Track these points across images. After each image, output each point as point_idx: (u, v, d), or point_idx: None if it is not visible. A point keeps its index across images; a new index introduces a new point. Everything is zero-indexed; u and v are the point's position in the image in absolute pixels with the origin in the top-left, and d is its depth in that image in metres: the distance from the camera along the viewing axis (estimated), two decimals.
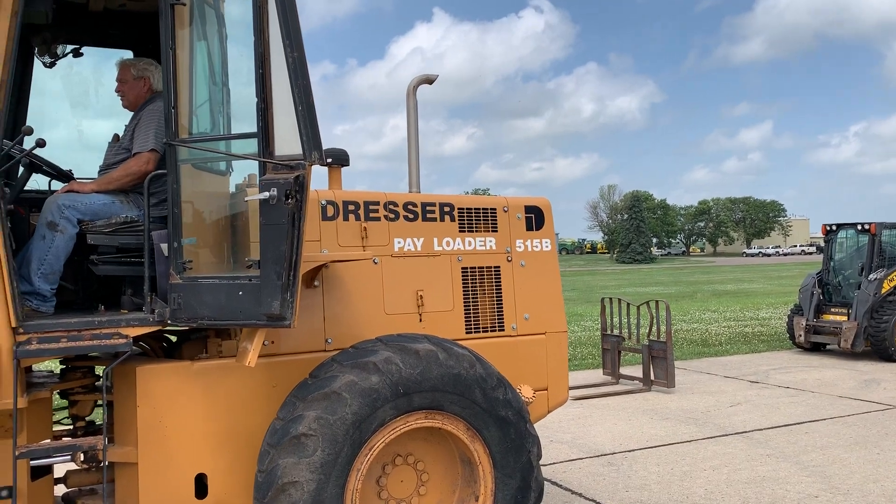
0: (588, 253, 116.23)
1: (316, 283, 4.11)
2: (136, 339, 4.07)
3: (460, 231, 4.56)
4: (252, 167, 3.66)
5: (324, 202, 4.17)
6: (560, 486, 6.10)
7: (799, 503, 5.60)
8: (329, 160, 4.53)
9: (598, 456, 6.96)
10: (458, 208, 4.57)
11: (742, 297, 27.91)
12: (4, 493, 3.43)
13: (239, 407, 3.81)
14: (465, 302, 4.53)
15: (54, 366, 4.26)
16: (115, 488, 3.75)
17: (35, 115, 4.53)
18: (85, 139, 4.70)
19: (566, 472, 6.49)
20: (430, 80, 4.92)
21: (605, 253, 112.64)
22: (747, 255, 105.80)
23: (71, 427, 4.02)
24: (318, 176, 4.63)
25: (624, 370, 10.85)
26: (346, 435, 3.47)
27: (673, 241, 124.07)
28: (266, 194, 3.27)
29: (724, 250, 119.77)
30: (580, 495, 5.87)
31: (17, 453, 3.20)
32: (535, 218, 4.85)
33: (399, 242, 4.37)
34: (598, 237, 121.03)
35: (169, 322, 3.56)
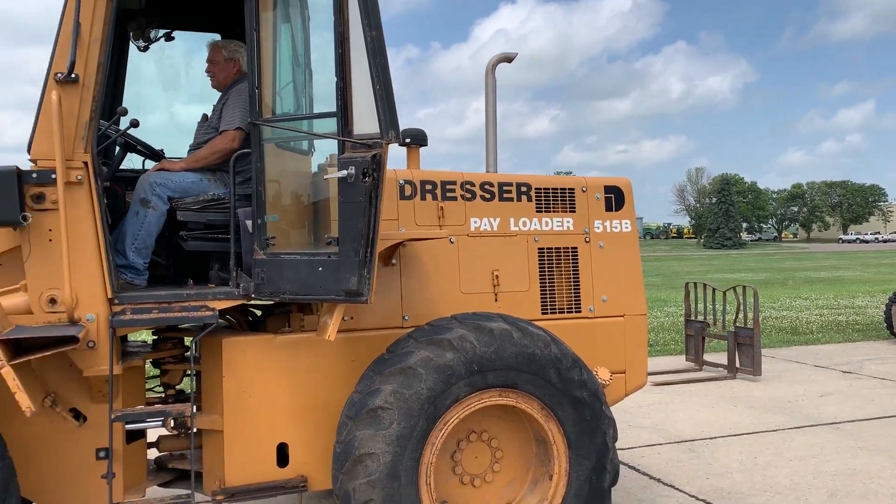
0: (674, 238, 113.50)
1: (393, 261, 4.17)
2: (223, 313, 4.25)
3: (537, 211, 4.54)
4: (334, 147, 3.74)
5: (402, 181, 4.22)
6: (638, 470, 6.03)
7: (893, 498, 5.36)
8: (407, 140, 4.58)
9: (678, 442, 6.83)
10: (536, 188, 4.54)
11: (836, 285, 26.69)
12: (102, 454, 3.65)
13: (319, 380, 3.92)
14: (541, 282, 4.51)
15: (147, 336, 4.47)
16: (203, 454, 3.93)
17: (130, 97, 4.75)
18: (176, 121, 4.89)
19: (645, 457, 6.40)
20: (508, 59, 4.89)
21: (691, 238, 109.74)
22: (843, 241, 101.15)
23: (162, 395, 4.22)
24: (397, 156, 4.72)
25: (708, 357, 10.56)
26: (421, 409, 3.52)
27: (764, 226, 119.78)
28: (344, 172, 3.34)
29: (818, 236, 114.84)
30: (658, 480, 5.78)
31: (112, 416, 3.40)
32: (615, 198, 4.78)
33: (475, 222, 4.39)
34: (684, 221, 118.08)
35: (253, 296, 3.69)
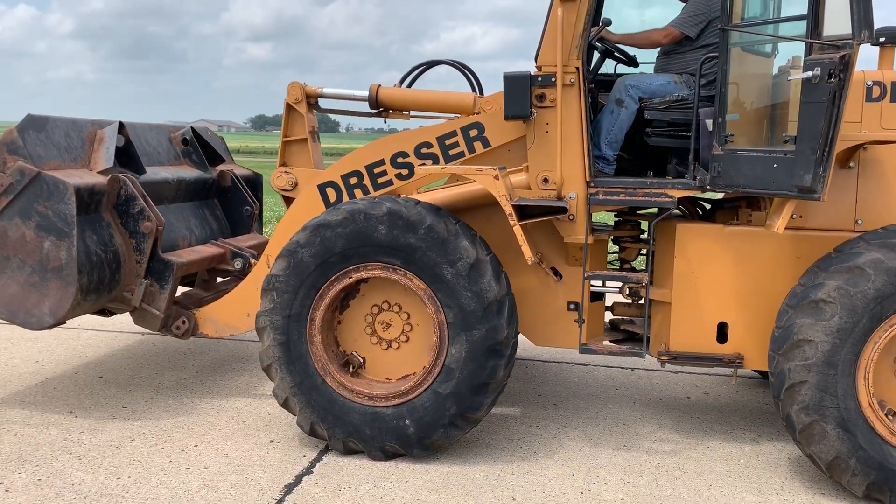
0: None
1: (851, 164, 4.18)
2: (678, 202, 4.79)
3: None
4: (797, 49, 3.89)
5: (870, 83, 4.15)
6: None
7: None
8: (881, 39, 4.41)
9: None
10: None
11: None
12: (572, 306, 4.53)
13: (762, 270, 4.21)
14: None
15: (608, 218, 5.22)
16: (651, 321, 4.58)
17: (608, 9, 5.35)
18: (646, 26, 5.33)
19: None
20: None
21: None
22: None
23: (619, 268, 4.96)
24: (869, 57, 4.58)
25: None
26: (866, 308, 3.64)
27: None
28: (809, 73, 3.51)
29: None
30: None
31: (585, 275, 4.23)
32: None
33: None
34: None
35: (708, 187, 4.13)
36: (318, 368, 4.19)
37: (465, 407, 4.06)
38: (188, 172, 5.69)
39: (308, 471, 4.05)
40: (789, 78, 3.72)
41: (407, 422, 4.09)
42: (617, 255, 4.92)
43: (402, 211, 4.01)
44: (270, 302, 4.19)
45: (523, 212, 4.19)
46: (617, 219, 4.93)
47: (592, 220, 4.86)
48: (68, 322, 4.86)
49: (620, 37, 4.81)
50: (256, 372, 5.61)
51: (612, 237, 4.85)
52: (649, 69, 4.96)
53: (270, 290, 4.19)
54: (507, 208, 3.98)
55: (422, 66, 5.18)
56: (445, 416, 4.06)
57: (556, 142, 4.20)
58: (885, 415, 3.74)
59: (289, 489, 3.84)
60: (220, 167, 6.11)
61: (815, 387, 3.72)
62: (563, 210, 4.07)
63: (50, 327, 4.46)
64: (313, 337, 4.17)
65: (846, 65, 3.46)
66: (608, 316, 4.97)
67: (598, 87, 4.97)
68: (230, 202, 6.06)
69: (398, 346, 4.31)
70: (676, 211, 4.83)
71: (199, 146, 5.96)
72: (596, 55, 4.95)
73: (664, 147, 4.64)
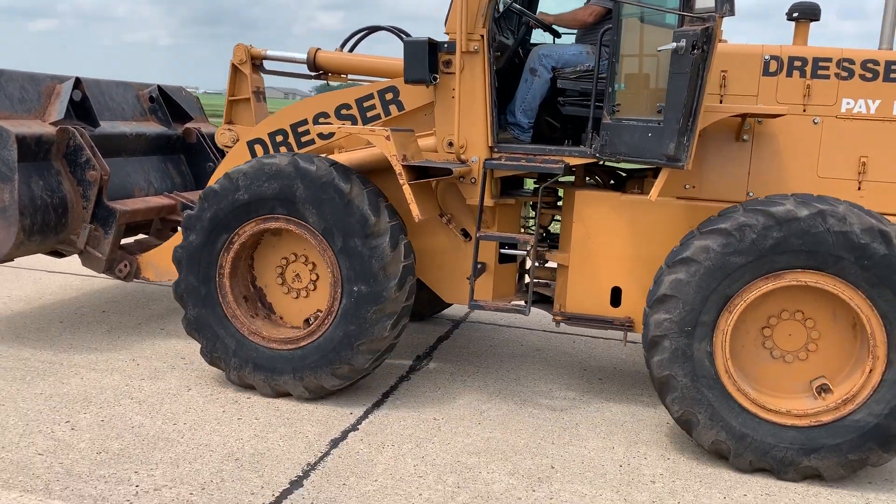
0: None
1: (745, 137, 4.27)
2: (589, 173, 4.92)
3: None
4: None
5: (767, 57, 4.21)
6: None
7: None
8: (795, 14, 4.44)
9: None
10: None
11: None
12: (479, 266, 4.73)
13: (656, 237, 4.32)
14: None
15: (531, 184, 5.37)
16: (556, 284, 4.75)
17: None
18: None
19: None
20: None
21: None
22: None
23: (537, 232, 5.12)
24: (784, 31, 4.61)
25: None
26: (728, 269, 3.75)
27: None
28: (674, 44, 3.62)
29: None
30: None
31: (478, 235, 4.43)
32: None
33: (848, 103, 4.15)
34: None
35: (596, 156, 4.26)
36: (224, 306, 4.50)
37: (344, 359, 4.31)
38: (151, 128, 6.06)
39: (354, 427, 4.20)
40: (658, 49, 3.81)
41: (298, 365, 4.39)
42: (533, 220, 5.09)
43: (308, 169, 4.26)
44: (185, 239, 4.51)
45: (424, 172, 4.39)
46: (535, 185, 5.09)
47: (516, 188, 5.06)
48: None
49: (552, 18, 4.92)
50: None
51: (531, 203, 5.02)
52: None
53: (187, 230, 4.50)
54: (398, 168, 4.20)
55: (363, 30, 5.40)
56: (328, 365, 4.34)
57: (457, 107, 4.39)
58: (818, 390, 3.82)
59: (334, 443, 3.99)
60: (189, 125, 6.46)
61: (673, 342, 3.85)
62: (449, 172, 4.26)
63: None
64: (223, 279, 4.48)
65: (709, 37, 3.55)
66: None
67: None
68: (195, 158, 6.41)
69: (307, 294, 4.60)
70: (595, 180, 5.01)
71: (166, 104, 6.31)
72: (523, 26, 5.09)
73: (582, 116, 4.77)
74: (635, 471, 3.89)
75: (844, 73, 4.15)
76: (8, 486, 3.39)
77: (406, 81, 4.40)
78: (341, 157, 4.73)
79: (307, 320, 4.54)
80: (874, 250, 3.59)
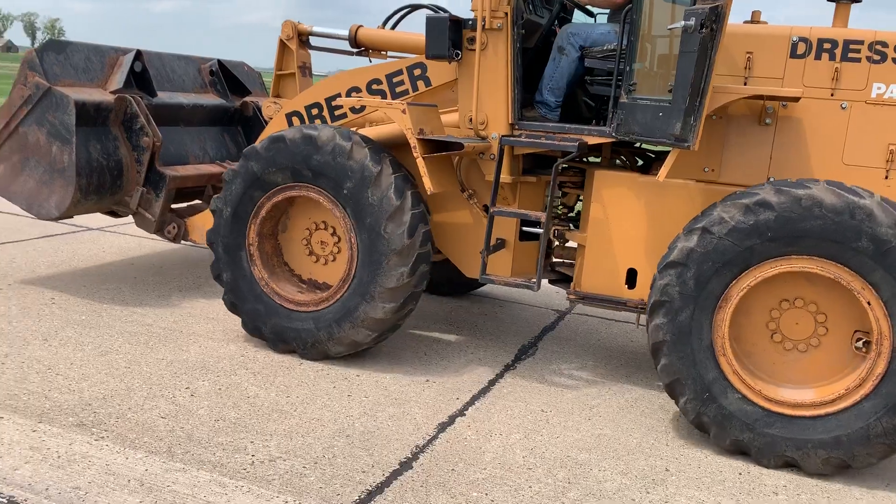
0: None
1: (767, 121, 4.16)
2: (617, 154, 4.91)
3: None
4: None
5: (795, 38, 4.08)
6: None
7: None
8: None
9: None
10: None
11: None
12: (499, 241, 4.80)
13: (675, 220, 4.26)
14: None
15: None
16: (576, 263, 4.77)
17: None
18: None
19: None
20: None
21: None
22: None
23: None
24: (825, 13, 4.44)
25: None
26: (744, 242, 3.67)
27: None
28: (682, 23, 3.58)
29: None
30: None
31: (492, 210, 4.50)
32: None
33: (879, 88, 3.99)
34: None
35: (613, 135, 4.26)
36: (260, 277, 4.75)
37: (346, 335, 4.52)
38: (208, 100, 6.39)
39: (461, 413, 4.16)
40: (668, 27, 3.77)
41: (325, 324, 4.60)
42: (559, 199, 5.11)
43: (311, 135, 4.44)
44: (220, 201, 4.78)
45: (445, 147, 4.49)
46: (565, 166, 5.10)
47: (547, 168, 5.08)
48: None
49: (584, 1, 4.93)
50: (421, 317, 5.81)
51: (559, 182, 5.04)
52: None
53: (226, 182, 4.76)
54: (412, 140, 4.32)
55: (404, 8, 5.53)
56: (339, 333, 4.54)
57: (475, 84, 4.47)
58: (859, 344, 3.69)
59: (442, 428, 3.96)
60: (247, 98, 6.77)
61: (674, 308, 3.82)
62: (460, 146, 4.34)
63: (56, 219, 5.32)
64: (251, 241, 4.73)
65: (718, 16, 3.51)
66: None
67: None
68: (251, 130, 6.72)
69: (333, 259, 4.80)
70: (621, 160, 4.99)
71: (225, 78, 6.64)
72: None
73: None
74: (756, 480, 3.69)
75: (877, 57, 3.98)
76: (134, 445, 3.52)
77: (427, 57, 4.51)
78: (370, 132, 4.89)
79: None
80: None
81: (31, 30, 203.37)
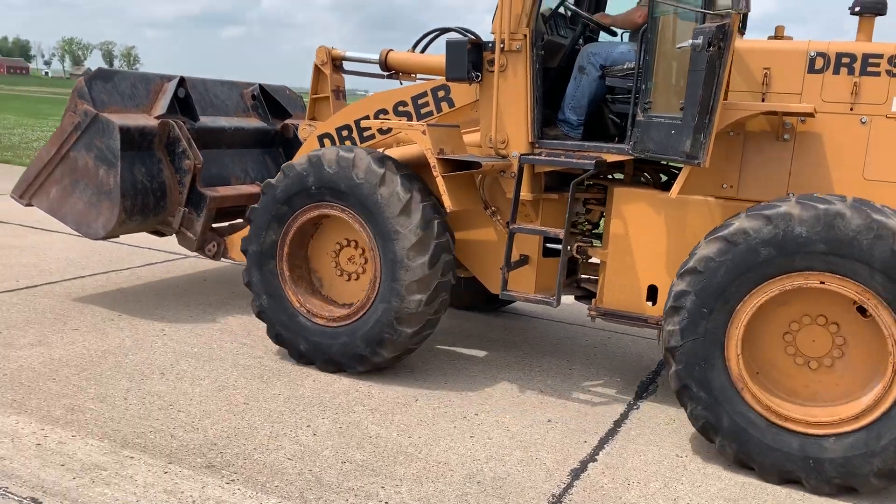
0: None
1: (786, 136, 4.15)
2: (640, 171, 4.93)
3: None
4: None
5: (813, 53, 4.06)
6: None
7: None
8: (857, 8, 4.25)
9: None
10: None
11: None
12: (522, 257, 4.87)
13: (694, 236, 4.24)
14: None
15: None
16: (598, 281, 4.81)
17: None
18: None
19: None
20: None
21: None
22: None
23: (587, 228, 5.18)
24: (849, 27, 4.40)
25: None
26: (763, 250, 3.65)
27: None
28: (690, 42, 3.62)
29: None
30: None
31: (511, 228, 4.57)
32: None
33: None
34: None
35: (630, 153, 4.29)
36: (286, 289, 4.93)
37: (363, 354, 4.67)
38: (250, 123, 6.66)
39: (592, 458, 3.96)
40: (678, 47, 3.80)
41: (342, 341, 4.75)
42: (583, 216, 5.15)
43: (356, 160, 4.60)
44: (253, 228, 4.99)
45: (465, 166, 4.60)
46: (590, 183, 5.14)
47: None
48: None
49: (609, 20, 4.99)
50: (529, 349, 5.70)
51: (582, 199, 5.09)
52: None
53: (262, 194, 4.95)
54: (432, 160, 4.44)
55: (433, 31, 5.68)
56: (356, 350, 4.69)
57: (497, 104, 4.57)
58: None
59: (575, 475, 3.76)
60: (288, 121, 7.02)
61: (690, 314, 3.79)
62: (478, 165, 4.44)
63: (103, 238, 5.62)
64: (282, 261, 4.92)
65: (725, 34, 3.54)
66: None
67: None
68: (292, 152, 6.94)
69: (357, 277, 4.95)
70: (645, 178, 5.02)
71: (267, 102, 6.91)
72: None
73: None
74: None
75: None
76: (266, 490, 3.41)
77: (447, 79, 4.65)
78: (396, 152, 5.03)
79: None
80: None
81: (108, 57, 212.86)
